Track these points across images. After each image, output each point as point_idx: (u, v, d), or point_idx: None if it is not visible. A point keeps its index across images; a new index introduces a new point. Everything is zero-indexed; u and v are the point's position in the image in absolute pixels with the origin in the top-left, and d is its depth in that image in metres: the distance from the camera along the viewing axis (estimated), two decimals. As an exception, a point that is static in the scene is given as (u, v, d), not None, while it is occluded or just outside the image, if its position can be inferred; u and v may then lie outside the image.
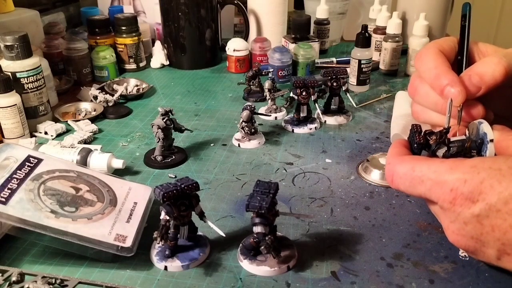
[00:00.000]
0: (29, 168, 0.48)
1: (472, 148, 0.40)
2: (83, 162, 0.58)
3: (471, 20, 0.48)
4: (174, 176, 0.59)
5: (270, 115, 0.74)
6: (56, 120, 0.74)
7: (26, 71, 0.68)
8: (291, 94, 0.71)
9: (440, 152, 0.41)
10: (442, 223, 0.39)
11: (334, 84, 0.72)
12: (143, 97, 0.86)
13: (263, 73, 0.80)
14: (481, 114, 0.42)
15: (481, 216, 0.35)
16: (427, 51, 0.46)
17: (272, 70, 0.81)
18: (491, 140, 0.38)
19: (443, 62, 0.44)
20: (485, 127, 0.39)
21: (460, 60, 0.46)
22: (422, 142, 0.41)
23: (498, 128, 0.40)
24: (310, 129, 0.70)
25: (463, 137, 0.42)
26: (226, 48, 0.97)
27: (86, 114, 0.78)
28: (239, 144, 0.66)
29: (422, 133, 0.42)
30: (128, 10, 1.13)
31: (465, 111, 0.43)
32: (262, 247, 0.42)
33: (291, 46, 0.94)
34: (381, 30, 0.97)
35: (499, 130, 0.40)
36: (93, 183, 0.50)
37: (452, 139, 0.41)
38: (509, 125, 0.42)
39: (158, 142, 0.61)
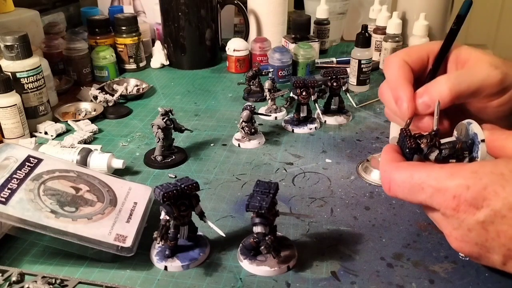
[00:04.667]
0: (29, 168, 0.48)
1: (463, 149, 0.40)
2: (83, 162, 0.58)
3: (464, 23, 0.47)
4: (174, 176, 0.59)
5: (270, 115, 0.74)
6: (56, 120, 0.74)
7: (26, 71, 0.68)
8: (291, 94, 0.71)
9: (433, 155, 0.40)
10: (443, 230, 0.38)
11: (334, 84, 0.72)
12: (143, 97, 0.86)
13: (263, 73, 0.80)
14: (429, 128, 0.43)
15: (486, 223, 0.34)
16: (393, 60, 0.46)
17: (272, 70, 0.81)
18: (483, 140, 0.38)
19: (403, 74, 0.45)
20: (475, 127, 0.39)
21: (434, 68, 0.46)
22: (414, 147, 0.40)
23: (488, 127, 0.40)
24: (310, 129, 0.70)
25: (453, 138, 0.41)
26: (226, 48, 0.97)
27: (86, 114, 0.78)
28: (239, 144, 0.66)
29: (412, 137, 0.41)
30: (128, 10, 1.12)
31: (415, 123, 0.44)
32: (262, 247, 0.42)
33: (291, 46, 0.94)
34: (381, 30, 0.97)
35: (489, 130, 0.40)
36: (93, 183, 0.50)
37: (443, 141, 0.41)
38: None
39: (158, 142, 0.61)
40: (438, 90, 0.42)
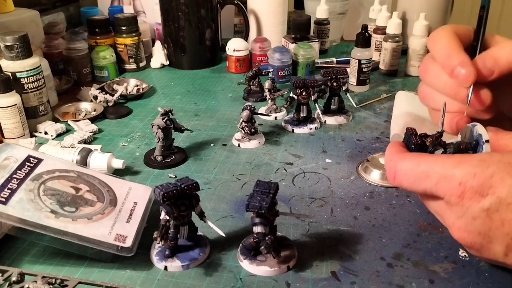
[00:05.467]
0: (29, 168, 0.48)
1: (468, 149, 0.40)
2: (83, 162, 0.58)
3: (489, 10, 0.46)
4: (174, 176, 0.59)
5: (270, 115, 0.74)
6: (56, 120, 0.74)
7: (26, 71, 0.68)
8: (291, 94, 0.71)
9: (437, 153, 0.40)
10: (446, 221, 0.38)
11: (334, 84, 0.72)
12: (143, 97, 0.86)
13: (263, 73, 0.80)
14: (489, 99, 0.42)
15: (491, 210, 0.34)
16: (441, 31, 0.44)
17: (272, 70, 0.81)
18: (487, 141, 0.38)
19: (455, 43, 0.43)
20: (479, 128, 0.39)
21: (475, 45, 0.44)
22: (419, 143, 0.41)
23: (491, 129, 0.40)
24: (310, 129, 0.70)
25: (458, 139, 0.42)
26: (226, 48, 0.97)
27: (86, 114, 0.78)
28: (239, 144, 0.66)
29: (418, 135, 0.42)
30: (128, 10, 1.12)
31: (475, 93, 0.42)
32: (262, 247, 0.42)
33: (291, 46, 0.94)
34: (381, 30, 0.97)
35: (493, 131, 0.40)
36: (93, 183, 0.50)
37: (447, 141, 0.41)
38: None
39: (158, 142, 0.61)
40: (506, 53, 0.40)
